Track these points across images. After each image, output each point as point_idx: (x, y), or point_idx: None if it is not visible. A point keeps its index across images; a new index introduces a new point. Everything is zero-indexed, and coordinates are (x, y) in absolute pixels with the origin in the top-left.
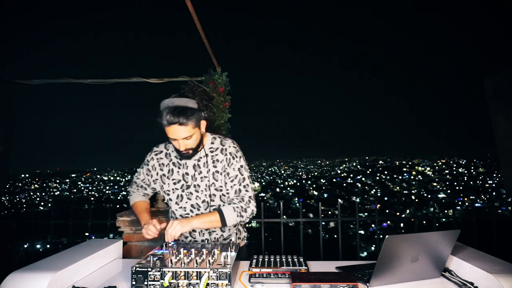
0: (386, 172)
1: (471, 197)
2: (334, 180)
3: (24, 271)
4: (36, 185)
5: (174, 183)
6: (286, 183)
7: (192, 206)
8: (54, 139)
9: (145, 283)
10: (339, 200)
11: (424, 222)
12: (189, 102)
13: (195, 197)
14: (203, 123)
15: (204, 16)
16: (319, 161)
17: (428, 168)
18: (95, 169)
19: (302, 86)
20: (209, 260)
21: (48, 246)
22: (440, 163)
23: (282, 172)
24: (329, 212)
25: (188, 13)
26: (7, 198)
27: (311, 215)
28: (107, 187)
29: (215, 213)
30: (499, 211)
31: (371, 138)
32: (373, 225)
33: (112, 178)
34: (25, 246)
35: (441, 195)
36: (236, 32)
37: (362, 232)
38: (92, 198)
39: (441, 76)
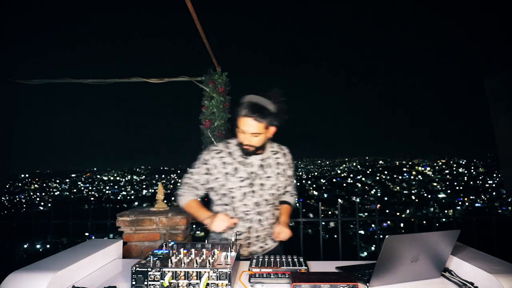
0: (386, 172)
1: (471, 197)
2: (334, 180)
3: (24, 271)
4: (36, 185)
5: (241, 181)
6: None
7: (255, 204)
8: (54, 139)
9: (145, 283)
10: (339, 200)
11: (424, 222)
12: (270, 105)
13: (259, 195)
14: (272, 129)
15: (204, 16)
16: (319, 161)
17: (428, 168)
18: (95, 169)
19: (302, 86)
20: (209, 260)
21: (48, 246)
22: (440, 163)
23: None
24: (329, 212)
25: (188, 13)
26: (7, 198)
27: (311, 215)
28: (107, 187)
29: (286, 206)
30: (499, 211)
31: (371, 138)
32: (373, 225)
33: (112, 178)
34: (25, 246)
35: (441, 195)
36: (235, 35)
37: (362, 232)
38: (92, 198)
39: (441, 76)
